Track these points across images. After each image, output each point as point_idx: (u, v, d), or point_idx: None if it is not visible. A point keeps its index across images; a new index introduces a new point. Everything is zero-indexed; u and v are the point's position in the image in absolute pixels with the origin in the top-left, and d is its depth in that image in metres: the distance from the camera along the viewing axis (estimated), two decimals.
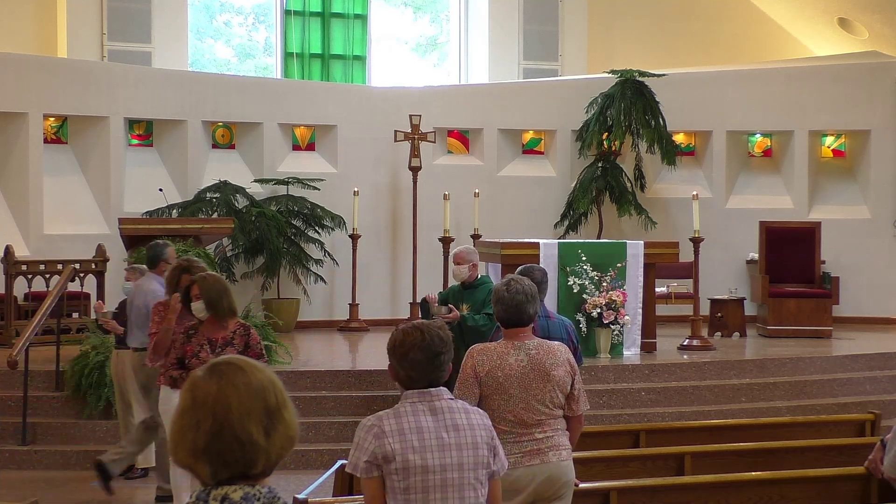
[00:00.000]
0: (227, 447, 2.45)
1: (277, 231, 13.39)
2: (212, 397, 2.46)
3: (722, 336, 13.16)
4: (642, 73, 14.49)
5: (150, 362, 7.32)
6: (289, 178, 13.97)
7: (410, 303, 13.92)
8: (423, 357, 3.78)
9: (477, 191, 13.99)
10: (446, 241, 13.57)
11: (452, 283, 9.27)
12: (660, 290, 12.70)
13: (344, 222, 14.01)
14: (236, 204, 13.54)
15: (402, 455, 3.68)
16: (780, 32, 17.29)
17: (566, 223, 14.68)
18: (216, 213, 13.20)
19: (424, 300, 8.71)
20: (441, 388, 3.85)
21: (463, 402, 3.91)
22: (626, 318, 10.93)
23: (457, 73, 17.08)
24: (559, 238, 13.57)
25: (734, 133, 15.44)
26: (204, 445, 2.45)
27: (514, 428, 4.89)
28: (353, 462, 3.75)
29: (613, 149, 14.62)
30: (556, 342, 5.13)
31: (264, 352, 6.82)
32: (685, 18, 16.97)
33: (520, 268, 6.09)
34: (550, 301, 9.37)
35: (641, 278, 11.20)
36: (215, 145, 14.39)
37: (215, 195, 13.49)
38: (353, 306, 13.87)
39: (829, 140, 15.67)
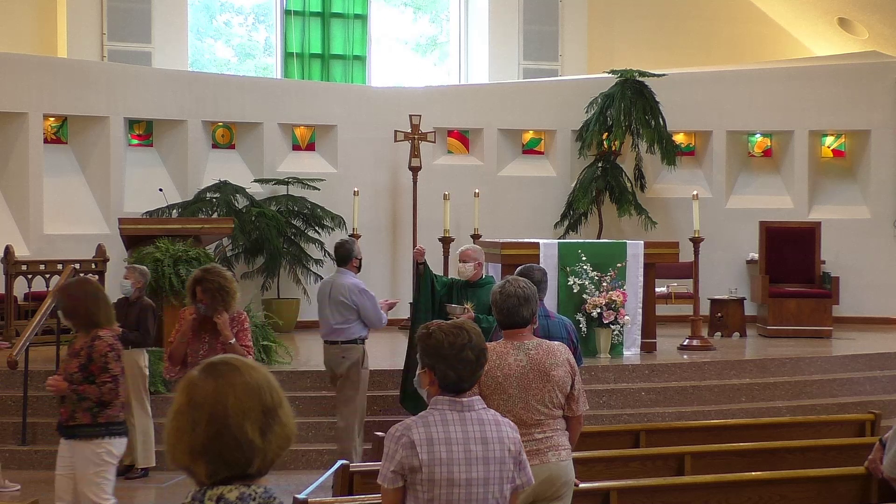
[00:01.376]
0: (227, 447, 2.44)
1: (277, 231, 13.39)
2: (210, 397, 2.45)
3: (722, 336, 13.15)
4: (642, 73, 14.48)
5: (167, 374, 7.14)
6: (289, 178, 13.96)
7: (410, 303, 13.89)
8: (473, 356, 3.76)
9: (477, 191, 13.96)
10: (446, 241, 13.55)
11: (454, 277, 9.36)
12: (660, 290, 12.69)
13: (344, 222, 14.01)
14: (236, 204, 13.54)
15: (429, 467, 3.66)
16: (780, 32, 17.29)
17: (566, 223, 14.67)
18: (216, 213, 13.20)
19: (416, 263, 9.26)
20: (474, 397, 3.81)
21: (494, 413, 3.86)
22: (626, 318, 10.92)
23: (457, 73, 17.07)
24: (559, 238, 13.57)
25: (734, 133, 15.43)
26: (202, 446, 2.44)
27: None
28: (382, 473, 3.73)
29: (613, 149, 14.61)
30: (556, 342, 5.12)
31: (109, 365, 6.00)
32: (685, 18, 16.96)
33: (519, 268, 6.09)
34: (550, 301, 9.38)
35: (641, 278, 11.20)
36: (215, 145, 14.39)
37: (215, 195, 13.49)
38: None
39: (829, 140, 15.66)
